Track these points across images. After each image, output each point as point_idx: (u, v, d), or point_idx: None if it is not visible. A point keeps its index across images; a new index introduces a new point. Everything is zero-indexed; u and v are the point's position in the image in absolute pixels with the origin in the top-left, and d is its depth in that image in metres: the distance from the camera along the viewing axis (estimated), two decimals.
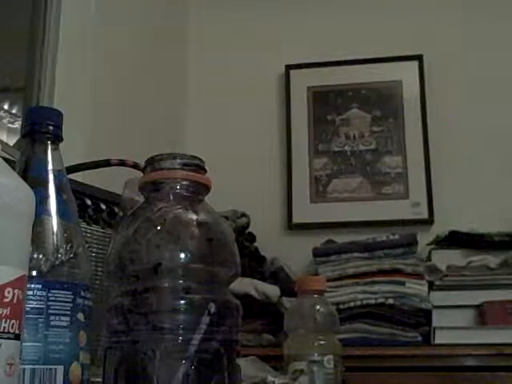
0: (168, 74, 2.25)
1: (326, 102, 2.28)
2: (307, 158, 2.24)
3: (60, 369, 0.52)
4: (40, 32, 1.67)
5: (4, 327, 0.40)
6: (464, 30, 2.26)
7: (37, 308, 0.52)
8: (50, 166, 0.58)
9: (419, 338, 1.69)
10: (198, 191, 0.54)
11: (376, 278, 1.78)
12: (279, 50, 2.33)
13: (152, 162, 0.54)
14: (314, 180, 2.22)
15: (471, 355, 1.56)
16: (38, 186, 0.54)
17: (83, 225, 0.87)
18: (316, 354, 0.89)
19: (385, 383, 1.55)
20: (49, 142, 0.59)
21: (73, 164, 0.81)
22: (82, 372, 0.54)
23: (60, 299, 0.53)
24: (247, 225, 2.01)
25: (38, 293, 0.52)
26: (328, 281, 1.43)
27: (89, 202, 0.90)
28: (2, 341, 0.40)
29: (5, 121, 1.71)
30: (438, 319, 1.73)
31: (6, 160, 0.44)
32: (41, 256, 0.53)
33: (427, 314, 1.74)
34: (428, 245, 1.93)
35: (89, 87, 1.69)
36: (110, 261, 0.52)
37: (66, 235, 0.56)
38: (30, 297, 0.51)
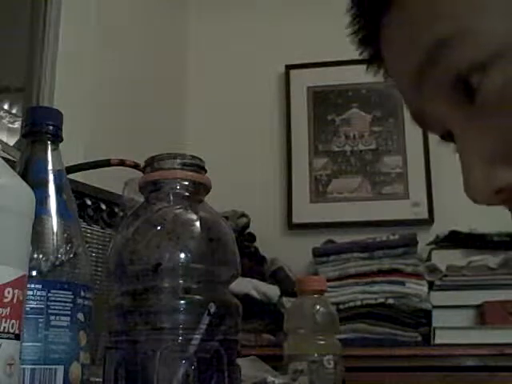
0: (168, 74, 2.25)
1: (326, 102, 2.28)
2: (307, 158, 2.24)
3: (60, 369, 0.52)
4: (40, 32, 1.67)
5: (4, 327, 0.40)
6: None
7: (37, 308, 0.52)
8: (50, 166, 0.58)
9: (419, 338, 1.69)
10: (198, 191, 0.54)
11: (376, 278, 1.78)
12: (279, 50, 2.33)
13: (152, 162, 0.54)
14: (314, 180, 2.22)
15: (471, 355, 1.56)
16: (38, 186, 0.54)
17: (83, 225, 0.87)
18: (316, 354, 0.89)
19: (385, 383, 1.55)
20: (49, 142, 0.59)
21: (73, 164, 0.81)
22: (82, 372, 0.54)
23: (60, 299, 0.53)
24: (247, 225, 2.01)
25: (38, 293, 0.52)
26: (328, 281, 1.43)
27: (89, 202, 0.91)
28: (2, 341, 0.40)
29: (5, 121, 1.71)
30: (437, 319, 1.73)
31: (6, 160, 0.44)
32: (41, 256, 0.53)
33: (427, 314, 1.74)
34: (428, 245, 1.93)
35: (89, 87, 1.69)
36: (110, 261, 0.52)
37: (65, 235, 0.56)
38: (30, 297, 0.51)
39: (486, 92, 0.42)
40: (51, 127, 0.59)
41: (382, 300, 1.73)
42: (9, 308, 0.41)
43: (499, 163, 0.43)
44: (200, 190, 0.54)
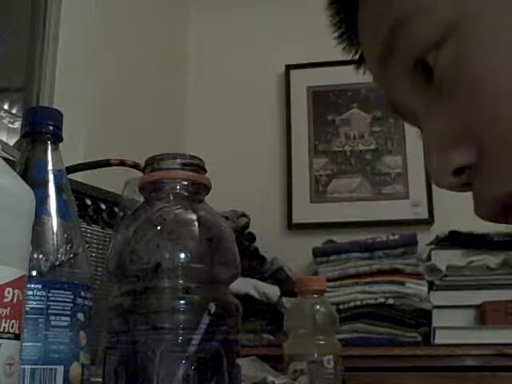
0: (168, 74, 2.25)
1: (326, 102, 2.28)
2: (307, 158, 2.24)
3: (60, 369, 0.52)
4: (40, 32, 1.67)
5: (4, 327, 0.40)
6: None
7: (37, 308, 0.52)
8: (50, 166, 0.58)
9: (419, 338, 1.69)
10: (197, 191, 0.54)
11: (376, 278, 1.78)
12: (279, 50, 2.33)
13: (152, 162, 0.54)
14: (314, 180, 2.22)
15: (471, 355, 1.56)
16: (38, 186, 0.54)
17: (83, 225, 0.87)
18: (316, 354, 0.89)
19: (385, 383, 1.55)
20: (49, 142, 0.59)
21: (73, 164, 0.81)
22: (82, 372, 0.54)
23: (60, 299, 0.53)
24: (247, 225, 2.01)
25: (38, 293, 0.52)
26: (328, 281, 1.43)
27: (89, 202, 0.91)
28: (2, 341, 0.40)
29: (5, 121, 1.71)
30: (437, 319, 1.73)
31: (6, 160, 0.44)
32: (41, 256, 0.53)
33: (427, 314, 1.74)
34: (428, 245, 1.92)
35: (89, 87, 1.69)
36: (110, 261, 0.52)
37: (66, 235, 0.56)
38: (30, 297, 0.51)
39: (441, 69, 0.40)
40: (51, 127, 0.59)
41: (382, 300, 1.73)
42: (9, 308, 0.41)
43: (451, 145, 0.41)
44: (200, 189, 0.54)
